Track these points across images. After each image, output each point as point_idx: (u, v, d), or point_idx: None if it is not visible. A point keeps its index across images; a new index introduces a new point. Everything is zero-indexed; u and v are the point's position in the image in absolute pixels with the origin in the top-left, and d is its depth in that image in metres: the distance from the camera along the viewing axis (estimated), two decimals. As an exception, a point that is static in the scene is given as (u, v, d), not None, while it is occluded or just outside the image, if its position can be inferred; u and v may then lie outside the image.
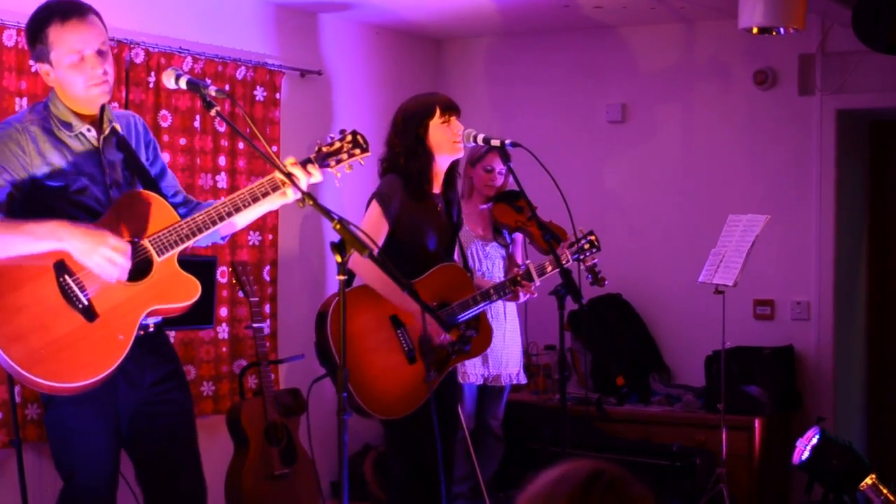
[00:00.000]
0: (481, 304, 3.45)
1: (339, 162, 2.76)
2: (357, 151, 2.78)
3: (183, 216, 2.66)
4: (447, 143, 3.38)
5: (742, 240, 4.65)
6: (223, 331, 4.89)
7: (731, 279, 4.57)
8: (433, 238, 3.45)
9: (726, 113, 5.60)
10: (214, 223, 2.61)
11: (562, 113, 6.00)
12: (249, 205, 2.64)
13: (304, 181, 2.66)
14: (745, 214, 4.79)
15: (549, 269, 3.58)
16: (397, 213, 3.36)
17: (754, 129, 5.53)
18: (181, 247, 2.60)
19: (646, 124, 5.81)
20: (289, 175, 2.62)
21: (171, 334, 4.54)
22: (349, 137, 2.77)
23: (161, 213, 2.61)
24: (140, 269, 2.56)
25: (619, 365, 5.42)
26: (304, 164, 2.69)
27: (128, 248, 2.51)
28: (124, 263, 2.50)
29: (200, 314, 4.28)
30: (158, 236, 2.59)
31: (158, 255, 2.58)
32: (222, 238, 2.82)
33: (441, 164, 3.44)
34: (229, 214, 2.62)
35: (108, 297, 2.53)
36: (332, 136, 2.78)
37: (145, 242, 2.58)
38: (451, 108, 3.41)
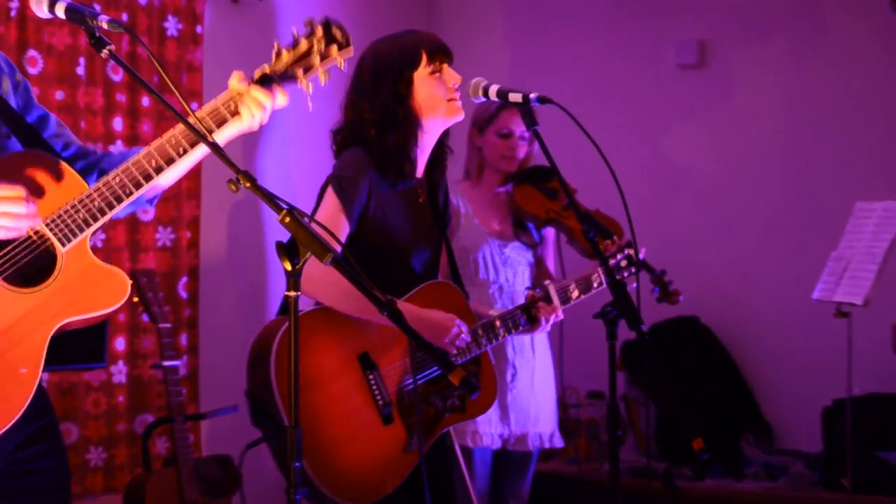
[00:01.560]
0: (483, 344, 3.50)
1: (308, 70, 2.71)
2: (333, 50, 2.72)
3: (85, 176, 2.64)
4: (439, 101, 3.41)
5: (876, 239, 4.70)
6: (119, 372, 4.91)
7: (861, 296, 4.61)
8: (417, 244, 3.49)
9: (850, 54, 5.63)
10: (138, 185, 2.59)
11: (611, 55, 6.01)
12: (187, 151, 2.62)
13: (264, 107, 2.64)
14: (880, 202, 4.83)
15: (576, 293, 3.66)
16: (364, 207, 3.38)
17: (891, 77, 5.56)
18: (95, 226, 2.59)
19: (732, 71, 5.83)
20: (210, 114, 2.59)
21: (44, 377, 4.51)
22: (320, 31, 2.71)
23: (60, 182, 2.59)
24: (38, 267, 2.56)
25: (697, 420, 5.44)
26: (259, 81, 2.67)
27: (21, 192, 2.47)
28: (26, 211, 2.46)
29: (86, 347, 4.29)
30: (61, 216, 2.57)
31: (63, 244, 2.57)
32: (148, 202, 2.81)
33: (430, 134, 3.49)
34: (159, 169, 2.60)
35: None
36: (294, 31, 2.73)
37: (43, 228, 2.56)
38: (441, 52, 3.43)
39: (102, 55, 2.56)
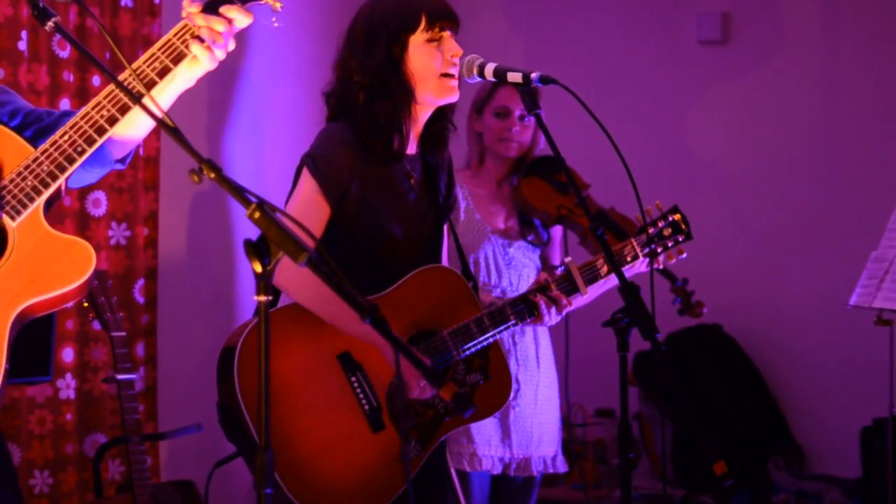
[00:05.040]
0: (491, 332, 3.46)
1: None
2: None
3: (38, 142, 2.61)
4: (432, 74, 3.41)
5: (921, 237, 4.65)
6: (67, 386, 4.88)
7: (904, 302, 4.56)
8: (407, 230, 3.48)
9: (894, 27, 5.64)
10: (91, 141, 2.58)
11: (624, 29, 6.02)
12: (143, 95, 2.59)
13: (221, 34, 2.61)
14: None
15: (605, 270, 3.59)
16: (346, 189, 3.38)
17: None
18: (46, 194, 2.58)
19: (760, 47, 5.82)
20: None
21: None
22: None
23: (2, 148, 2.59)
24: None
25: (719, 442, 5.46)
26: (212, 4, 2.65)
27: None
28: None
29: (29, 358, 4.24)
30: (6, 187, 2.56)
31: (13, 218, 2.57)
32: (120, 161, 2.79)
33: (424, 107, 3.48)
34: (112, 120, 2.58)
35: None
36: None
37: None
38: (444, 18, 3.42)
39: (47, 28, 2.55)
